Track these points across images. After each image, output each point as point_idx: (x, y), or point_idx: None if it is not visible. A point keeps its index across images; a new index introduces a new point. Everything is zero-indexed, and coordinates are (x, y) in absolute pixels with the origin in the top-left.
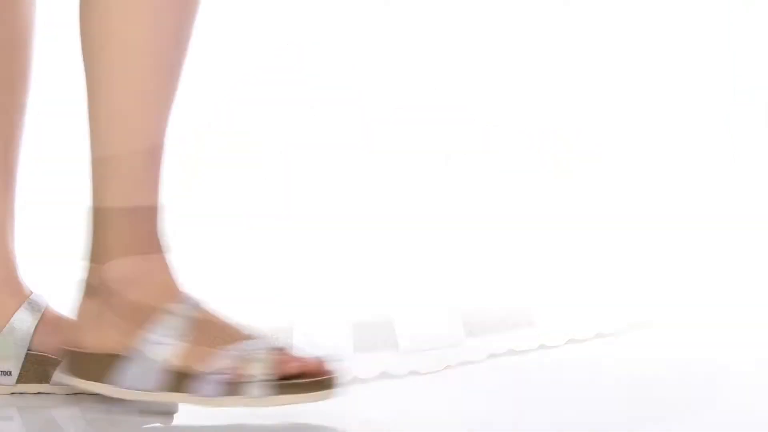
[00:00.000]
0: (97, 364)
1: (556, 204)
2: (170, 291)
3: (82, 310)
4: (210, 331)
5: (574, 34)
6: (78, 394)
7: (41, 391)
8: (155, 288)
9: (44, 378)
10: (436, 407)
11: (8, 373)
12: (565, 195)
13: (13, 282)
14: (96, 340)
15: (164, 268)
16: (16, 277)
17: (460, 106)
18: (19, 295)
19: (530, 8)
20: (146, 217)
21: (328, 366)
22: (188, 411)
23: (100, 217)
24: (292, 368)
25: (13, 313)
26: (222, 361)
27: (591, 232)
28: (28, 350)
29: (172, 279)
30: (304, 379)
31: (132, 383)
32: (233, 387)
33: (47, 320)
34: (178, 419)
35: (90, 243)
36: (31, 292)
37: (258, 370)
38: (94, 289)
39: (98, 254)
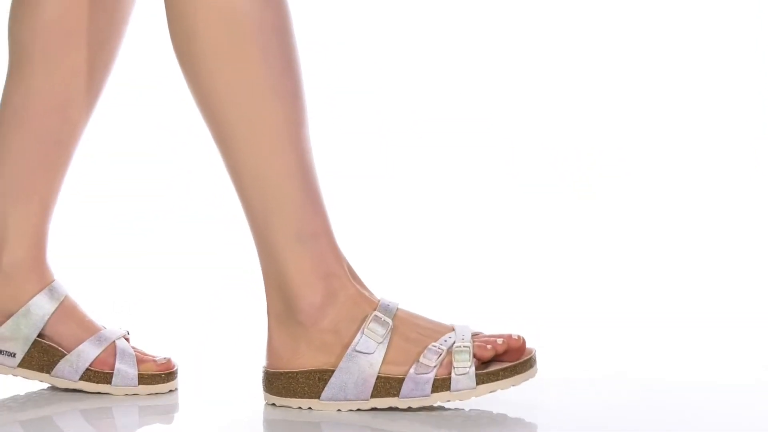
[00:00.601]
0: (304, 382)
1: (575, 221)
2: (365, 301)
3: (274, 340)
4: (414, 331)
5: (584, 41)
6: (77, 392)
7: (41, 380)
8: (349, 304)
9: (47, 368)
10: (438, 408)
11: (12, 354)
12: (584, 212)
13: (40, 265)
14: (298, 362)
15: (350, 283)
16: (44, 261)
17: (461, 106)
18: (42, 280)
19: (549, 16)
20: (318, 238)
21: (525, 342)
22: (188, 411)
23: (269, 248)
24: (493, 350)
25: (33, 296)
26: (427, 359)
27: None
28: (38, 336)
29: (362, 289)
30: (508, 359)
31: (344, 395)
32: (440, 383)
33: (64, 309)
34: (178, 419)
35: (265, 272)
36: (54, 279)
37: (461, 362)
38: (280, 317)
39: (277, 283)
